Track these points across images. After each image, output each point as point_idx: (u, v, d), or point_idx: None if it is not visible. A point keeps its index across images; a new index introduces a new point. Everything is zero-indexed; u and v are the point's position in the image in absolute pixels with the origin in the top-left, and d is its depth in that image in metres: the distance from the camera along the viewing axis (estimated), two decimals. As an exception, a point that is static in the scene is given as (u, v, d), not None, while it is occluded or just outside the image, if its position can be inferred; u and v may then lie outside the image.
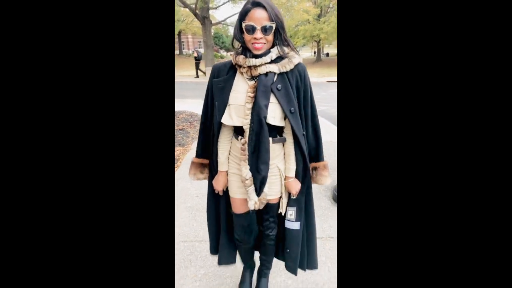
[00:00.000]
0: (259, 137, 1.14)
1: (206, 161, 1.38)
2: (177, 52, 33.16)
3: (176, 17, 22.59)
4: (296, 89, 1.18)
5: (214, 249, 1.49)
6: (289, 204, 1.33)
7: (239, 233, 1.38)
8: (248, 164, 1.19)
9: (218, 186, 1.32)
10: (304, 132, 1.23)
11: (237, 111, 1.17)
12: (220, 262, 1.47)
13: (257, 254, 1.57)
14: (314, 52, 35.81)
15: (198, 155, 1.38)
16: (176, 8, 19.42)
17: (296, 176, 1.28)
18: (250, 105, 1.13)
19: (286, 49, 1.16)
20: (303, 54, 35.99)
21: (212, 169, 1.36)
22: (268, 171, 1.20)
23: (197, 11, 14.14)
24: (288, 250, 1.38)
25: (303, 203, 1.33)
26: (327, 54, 33.89)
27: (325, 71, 17.71)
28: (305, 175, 1.29)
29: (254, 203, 1.22)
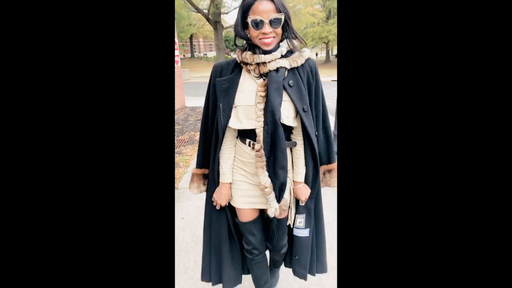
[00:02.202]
0: (274, 139, 1.04)
1: (207, 171, 1.26)
2: (189, 55, 34.20)
3: (188, 21, 23.44)
4: (307, 85, 1.09)
5: (207, 275, 1.35)
6: (298, 211, 1.23)
7: (249, 240, 1.28)
8: (266, 171, 1.09)
9: (222, 201, 1.19)
10: (316, 133, 1.14)
11: (246, 112, 1.06)
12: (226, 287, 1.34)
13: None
14: (316, 54, 36.53)
15: (199, 165, 1.26)
16: (189, 13, 20.27)
17: (306, 181, 1.18)
18: (262, 105, 1.03)
19: (295, 42, 1.07)
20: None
21: (211, 181, 1.23)
22: (287, 176, 1.11)
23: (209, 16, 14.89)
24: (297, 257, 1.30)
25: (313, 209, 1.24)
26: (336, 55, 34.34)
27: (333, 71, 18.20)
28: (315, 180, 1.19)
29: (275, 210, 1.13)
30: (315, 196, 1.24)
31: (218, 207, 1.22)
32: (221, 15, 15.71)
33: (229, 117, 1.07)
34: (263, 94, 1.02)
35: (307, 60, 1.09)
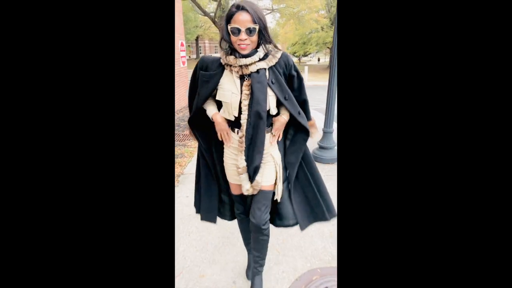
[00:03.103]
0: (256, 130, 1.24)
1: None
2: (194, 56, 34.79)
3: (194, 23, 23.96)
4: (284, 76, 1.29)
5: (199, 207, 1.62)
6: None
7: (238, 207, 1.57)
8: (244, 155, 1.29)
9: (221, 127, 1.33)
10: (299, 110, 1.33)
11: (226, 107, 1.27)
12: (202, 218, 1.61)
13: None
14: (318, 59, 37.10)
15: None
16: (196, 15, 20.75)
17: (297, 148, 1.43)
18: (247, 102, 1.22)
19: (269, 47, 1.25)
20: (310, 61, 37.33)
21: (198, 140, 1.45)
22: (262, 160, 1.30)
23: (216, 19, 15.34)
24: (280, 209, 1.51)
25: (296, 163, 1.45)
26: (340, 61, 34.70)
27: (335, 76, 18.50)
28: (304, 144, 1.43)
29: (247, 190, 1.34)
30: (305, 153, 1.45)
31: (224, 134, 1.34)
32: (227, 19, 16.17)
33: (203, 102, 1.31)
34: (248, 92, 1.21)
35: (281, 56, 1.27)
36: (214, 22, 15.69)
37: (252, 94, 1.20)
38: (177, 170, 3.48)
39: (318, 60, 37.24)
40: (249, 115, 1.23)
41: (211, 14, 15.58)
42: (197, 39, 32.58)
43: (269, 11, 16.89)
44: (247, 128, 1.25)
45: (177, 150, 4.08)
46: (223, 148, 1.44)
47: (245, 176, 1.32)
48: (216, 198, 1.58)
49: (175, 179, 3.24)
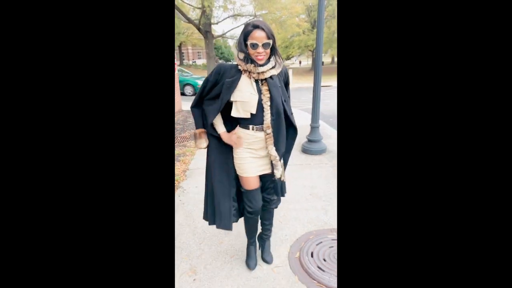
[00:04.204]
0: (279, 124, 1.52)
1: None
2: (178, 62, 35.00)
3: (177, 30, 24.20)
4: (284, 84, 1.61)
5: (205, 215, 1.81)
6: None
7: (253, 205, 1.69)
8: (274, 145, 1.55)
9: (236, 139, 1.61)
10: (291, 112, 1.63)
11: (243, 106, 1.50)
12: (218, 226, 1.72)
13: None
14: (300, 62, 38.39)
15: (200, 126, 1.68)
16: (178, 22, 21.03)
17: (289, 145, 1.67)
18: (269, 103, 1.49)
19: (277, 58, 1.54)
20: (293, 64, 38.44)
21: (209, 135, 1.67)
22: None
23: (200, 26, 15.70)
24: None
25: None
26: (322, 63, 35.75)
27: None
28: (293, 142, 1.70)
29: (281, 173, 1.62)
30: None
31: (240, 144, 1.61)
32: (211, 25, 16.55)
33: (223, 106, 1.51)
34: (268, 95, 1.49)
35: (282, 67, 1.61)
36: (199, 29, 16.03)
37: (271, 96, 1.48)
38: (183, 166, 3.87)
39: (300, 63, 38.22)
40: (271, 113, 1.50)
41: (195, 21, 15.94)
42: (180, 46, 32.82)
43: (252, 17, 17.37)
44: (272, 124, 1.51)
45: (179, 150, 4.47)
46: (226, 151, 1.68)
47: (280, 163, 1.60)
48: (230, 204, 1.70)
49: (183, 174, 3.63)
